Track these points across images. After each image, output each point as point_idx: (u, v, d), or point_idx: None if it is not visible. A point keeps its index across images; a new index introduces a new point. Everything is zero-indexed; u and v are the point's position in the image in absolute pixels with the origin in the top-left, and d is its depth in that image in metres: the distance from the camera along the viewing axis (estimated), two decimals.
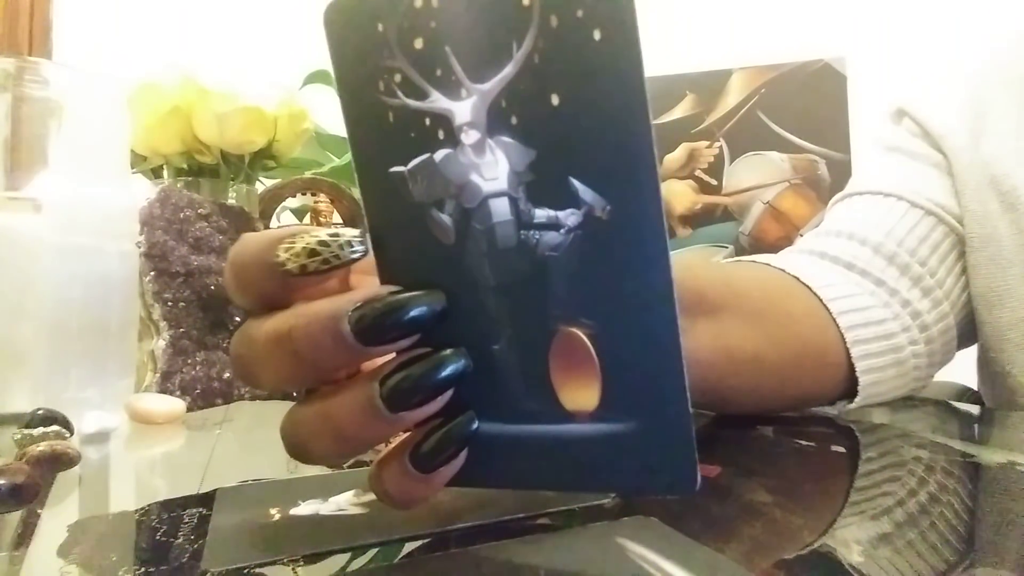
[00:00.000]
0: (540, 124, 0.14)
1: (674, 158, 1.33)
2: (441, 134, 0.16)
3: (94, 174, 0.39)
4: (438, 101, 0.16)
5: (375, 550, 0.20)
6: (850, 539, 0.21)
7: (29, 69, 0.46)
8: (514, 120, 0.15)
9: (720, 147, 1.31)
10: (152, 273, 0.45)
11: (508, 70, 0.14)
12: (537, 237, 0.15)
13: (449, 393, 0.17)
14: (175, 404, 0.40)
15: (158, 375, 0.44)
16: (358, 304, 0.17)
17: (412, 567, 0.19)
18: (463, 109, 0.15)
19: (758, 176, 1.28)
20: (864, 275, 0.45)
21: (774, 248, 1.24)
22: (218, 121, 0.60)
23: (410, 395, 0.17)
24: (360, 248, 0.18)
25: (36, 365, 0.37)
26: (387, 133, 0.17)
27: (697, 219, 1.30)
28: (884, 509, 0.24)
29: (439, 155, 0.16)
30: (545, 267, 0.15)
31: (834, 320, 0.41)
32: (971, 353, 0.78)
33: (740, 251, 1.26)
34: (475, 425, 0.17)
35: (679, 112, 1.33)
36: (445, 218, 0.16)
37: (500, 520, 0.22)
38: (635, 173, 0.14)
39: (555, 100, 0.14)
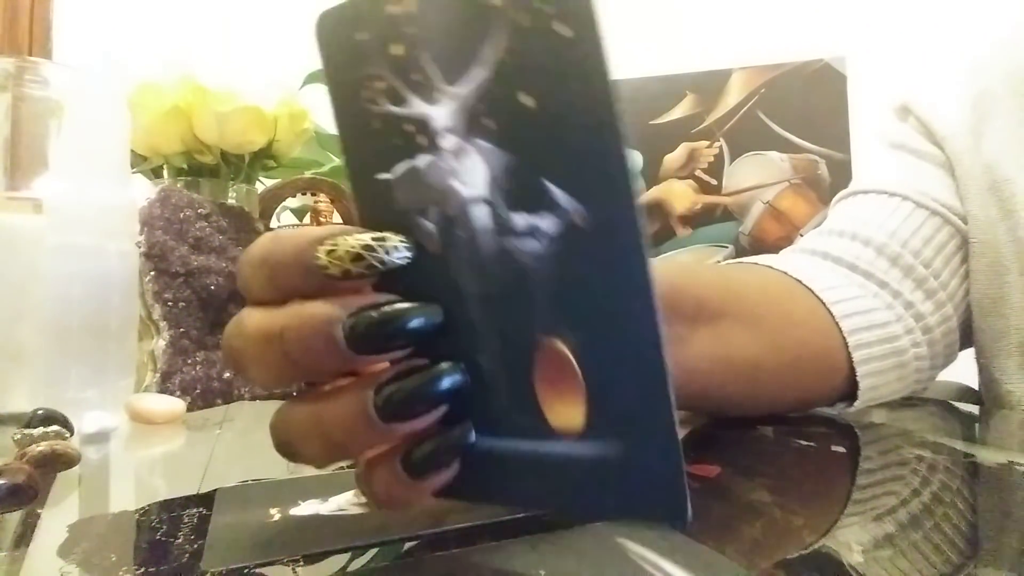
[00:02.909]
0: (515, 127, 0.14)
1: (674, 158, 1.33)
2: (423, 140, 0.16)
3: (94, 174, 0.39)
4: (417, 106, 0.16)
5: (375, 550, 0.20)
6: (850, 539, 0.21)
7: (29, 69, 0.46)
8: (490, 123, 0.14)
9: (720, 147, 1.31)
10: (152, 273, 0.45)
11: (481, 72, 0.14)
12: (517, 245, 0.14)
13: (444, 407, 0.17)
14: (175, 404, 0.40)
15: (158, 375, 0.44)
16: (353, 311, 0.16)
17: (412, 567, 0.19)
18: (441, 114, 0.15)
19: (758, 176, 1.28)
20: (868, 277, 0.44)
21: (774, 248, 1.24)
22: (218, 121, 0.60)
23: (405, 407, 0.17)
24: (406, 253, 0.17)
25: (36, 365, 0.37)
26: (374, 140, 0.17)
27: (697, 219, 1.30)
28: (884, 509, 0.24)
29: (422, 161, 0.16)
30: (526, 276, 0.14)
31: (836, 324, 0.40)
32: (971, 353, 0.78)
33: (740, 251, 1.26)
34: (472, 437, 0.17)
35: (679, 112, 1.33)
36: (430, 225, 0.16)
37: (500, 520, 0.22)
38: (608, 179, 0.13)
39: (528, 102, 0.14)
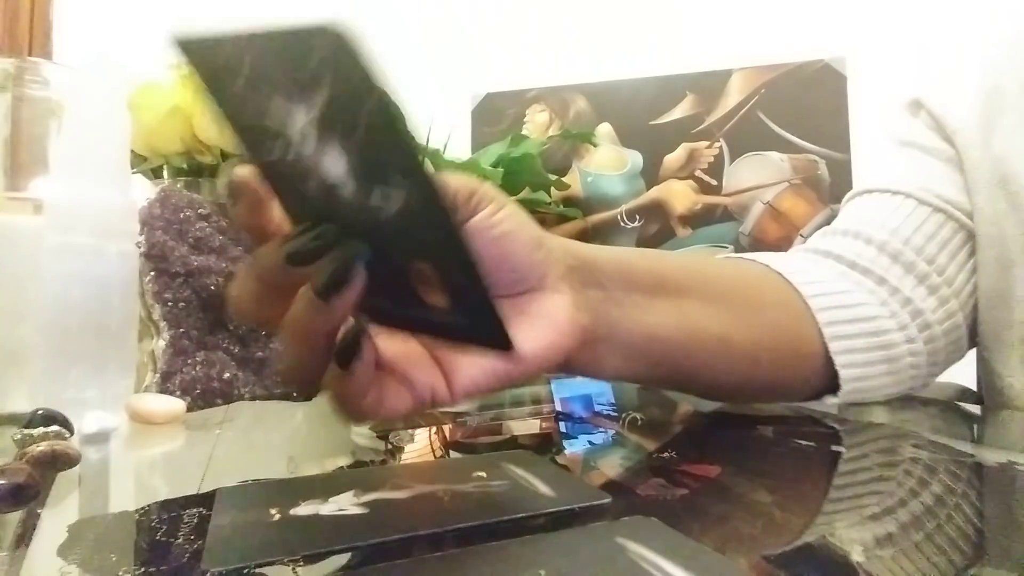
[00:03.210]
0: (344, 138, 0.18)
1: (674, 158, 1.33)
2: (290, 138, 0.19)
3: (94, 174, 0.39)
4: (276, 115, 0.19)
5: (375, 550, 0.20)
6: (850, 539, 0.21)
7: (29, 69, 0.46)
8: (328, 133, 0.18)
9: (720, 147, 1.31)
10: (152, 273, 0.45)
11: (312, 95, 0.18)
12: (375, 213, 0.19)
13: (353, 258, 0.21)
14: (175, 404, 0.40)
15: (158, 375, 0.44)
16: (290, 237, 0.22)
17: (412, 567, 0.19)
18: (294, 123, 0.18)
19: (758, 176, 1.28)
20: (866, 273, 0.45)
21: (774, 248, 1.24)
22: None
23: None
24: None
25: (36, 365, 0.37)
26: (254, 132, 0.20)
27: (697, 219, 1.30)
28: (884, 509, 0.24)
29: (293, 154, 0.19)
30: (389, 231, 0.20)
31: (812, 313, 0.41)
32: (971, 353, 0.78)
33: (740, 251, 1.26)
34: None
35: (679, 112, 1.33)
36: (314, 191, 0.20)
37: (500, 520, 0.22)
38: (409, 172, 0.18)
39: (345, 119, 0.18)
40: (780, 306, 0.41)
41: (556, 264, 0.27)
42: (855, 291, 0.43)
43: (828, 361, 0.41)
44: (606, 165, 1.36)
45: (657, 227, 1.31)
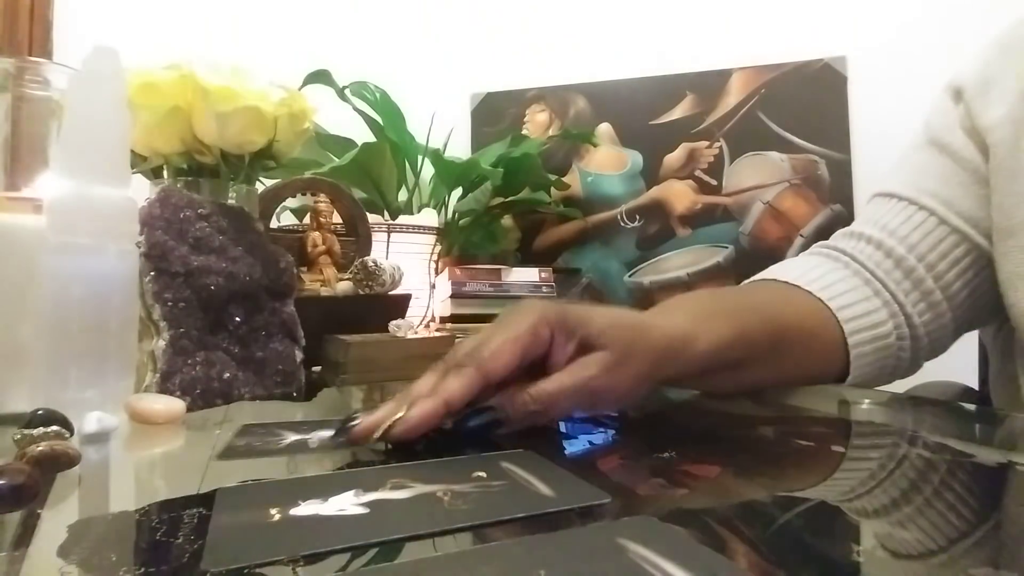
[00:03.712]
0: None
1: (674, 158, 1.33)
2: None
3: (94, 174, 0.39)
4: None
5: (375, 550, 0.20)
6: (850, 539, 0.21)
7: (29, 69, 0.46)
8: None
9: (720, 147, 1.31)
10: (152, 273, 0.45)
11: None
12: None
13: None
14: (175, 404, 0.40)
15: (158, 375, 0.44)
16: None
17: (412, 567, 0.19)
18: None
19: (758, 176, 1.28)
20: (883, 285, 0.51)
21: (774, 248, 1.24)
22: (218, 121, 0.60)
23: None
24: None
25: (36, 365, 0.37)
26: None
27: (697, 219, 1.30)
28: (884, 509, 0.24)
29: None
30: None
31: (845, 338, 0.49)
32: (972, 353, 0.78)
33: (740, 251, 1.26)
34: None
35: (679, 112, 1.33)
36: None
37: (500, 520, 0.22)
38: None
39: None
40: (823, 349, 0.49)
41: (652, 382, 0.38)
42: (879, 311, 0.51)
43: (845, 369, 0.49)
44: (606, 165, 1.36)
45: (657, 227, 1.31)
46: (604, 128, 1.36)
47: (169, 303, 0.45)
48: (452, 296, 0.97)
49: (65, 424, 0.32)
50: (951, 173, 0.52)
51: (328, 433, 0.34)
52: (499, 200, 1.23)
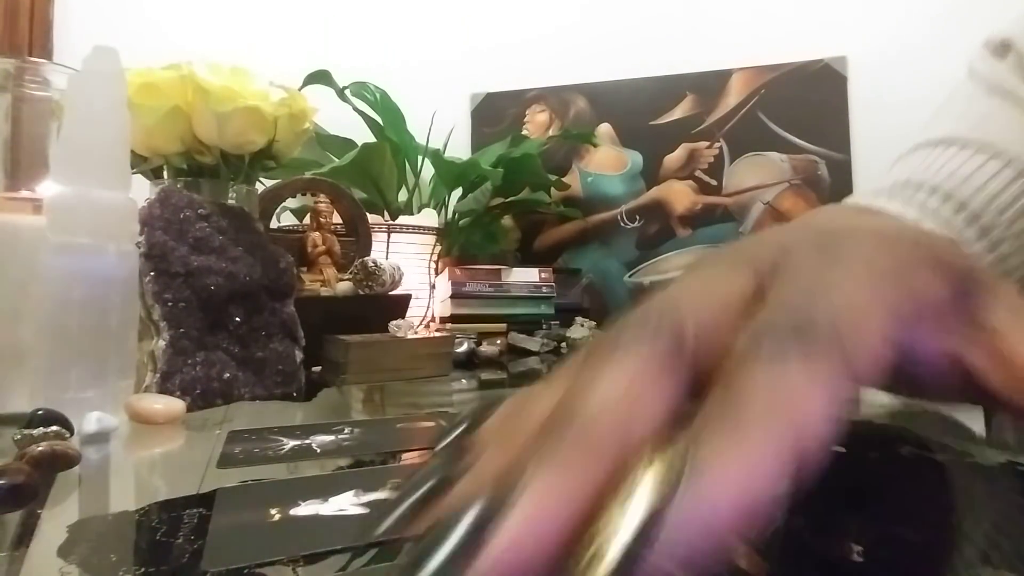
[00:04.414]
0: None
1: (674, 158, 1.33)
2: None
3: (94, 174, 0.39)
4: None
5: (375, 550, 0.20)
6: (850, 539, 0.21)
7: (29, 69, 0.46)
8: None
9: (720, 147, 1.31)
10: (152, 273, 0.45)
11: None
12: None
13: None
14: (175, 404, 0.40)
15: (158, 375, 0.44)
16: None
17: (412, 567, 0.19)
18: None
19: (758, 176, 1.28)
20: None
21: None
22: (218, 121, 0.60)
23: None
24: None
25: (36, 365, 0.37)
26: None
27: (697, 219, 1.30)
28: (884, 509, 0.24)
29: None
30: None
31: None
32: None
33: None
34: None
35: (679, 112, 1.33)
36: None
37: None
38: None
39: None
40: None
41: None
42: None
43: None
44: (606, 165, 1.36)
45: (657, 227, 1.31)
46: (604, 128, 1.36)
47: (169, 303, 0.45)
48: (452, 296, 0.97)
49: (65, 424, 0.32)
50: (1018, 119, 0.49)
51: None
52: (499, 200, 1.23)
